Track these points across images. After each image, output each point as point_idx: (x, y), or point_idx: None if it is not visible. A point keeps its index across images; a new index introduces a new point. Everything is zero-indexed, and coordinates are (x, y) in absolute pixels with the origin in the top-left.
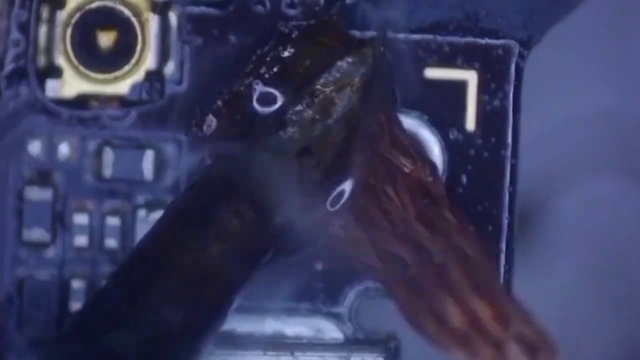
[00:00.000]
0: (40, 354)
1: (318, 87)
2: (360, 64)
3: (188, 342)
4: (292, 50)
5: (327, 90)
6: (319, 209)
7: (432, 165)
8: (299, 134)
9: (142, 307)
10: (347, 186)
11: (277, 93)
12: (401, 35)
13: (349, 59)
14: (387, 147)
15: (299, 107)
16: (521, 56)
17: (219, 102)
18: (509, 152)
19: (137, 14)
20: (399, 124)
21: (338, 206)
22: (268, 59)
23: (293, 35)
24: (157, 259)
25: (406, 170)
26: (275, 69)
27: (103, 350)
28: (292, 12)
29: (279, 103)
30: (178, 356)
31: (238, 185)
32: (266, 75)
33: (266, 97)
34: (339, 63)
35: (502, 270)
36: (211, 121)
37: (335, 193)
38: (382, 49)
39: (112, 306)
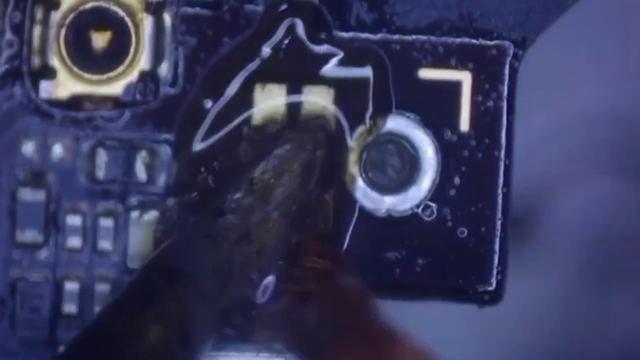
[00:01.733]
0: None
1: (256, 174)
2: (298, 150)
3: None
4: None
5: (266, 177)
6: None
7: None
8: (238, 220)
9: None
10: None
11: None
12: (395, 36)
13: (287, 147)
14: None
15: (238, 195)
16: (515, 57)
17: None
18: (502, 153)
19: (131, 14)
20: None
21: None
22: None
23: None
24: (100, 344)
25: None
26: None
27: None
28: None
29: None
30: None
31: (179, 269)
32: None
33: None
34: (276, 151)
35: (495, 271)
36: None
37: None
38: (320, 134)
39: None
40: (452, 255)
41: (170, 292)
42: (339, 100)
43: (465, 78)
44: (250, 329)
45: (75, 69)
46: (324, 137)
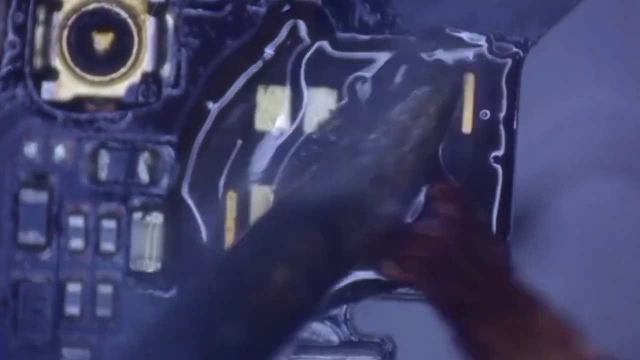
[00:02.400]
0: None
1: (394, 115)
2: (436, 92)
3: None
4: None
5: (403, 118)
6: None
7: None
8: (373, 161)
9: (206, 324)
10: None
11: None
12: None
13: (425, 88)
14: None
15: (374, 135)
16: (518, 58)
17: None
18: (505, 153)
19: (133, 15)
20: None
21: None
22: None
23: None
24: (225, 281)
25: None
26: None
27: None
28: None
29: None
30: None
31: (309, 210)
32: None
33: None
34: (415, 92)
35: None
36: None
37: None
38: (458, 79)
39: (177, 320)
40: None
41: (298, 233)
42: None
43: (467, 79)
44: (380, 268)
45: (77, 70)
46: (462, 83)
